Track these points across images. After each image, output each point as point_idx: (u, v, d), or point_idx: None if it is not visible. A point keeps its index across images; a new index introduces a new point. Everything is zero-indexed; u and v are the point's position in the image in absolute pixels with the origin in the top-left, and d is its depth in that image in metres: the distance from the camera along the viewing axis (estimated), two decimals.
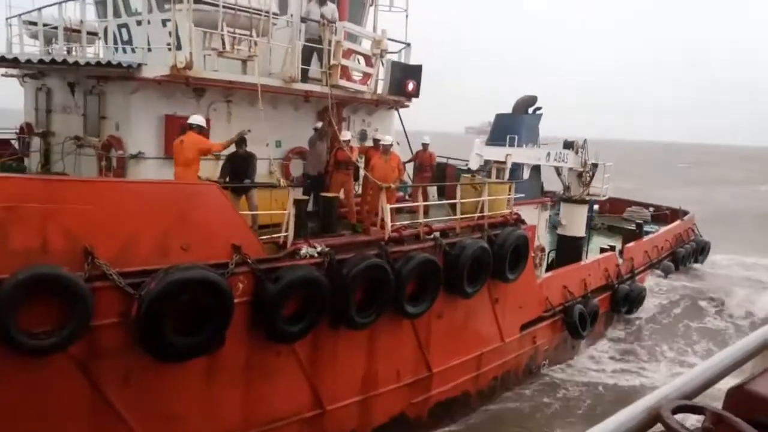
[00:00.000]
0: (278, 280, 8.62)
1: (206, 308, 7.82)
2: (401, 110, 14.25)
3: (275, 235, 9.16)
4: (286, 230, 9.15)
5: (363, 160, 12.40)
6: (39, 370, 6.98)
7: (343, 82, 11.42)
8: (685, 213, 26.74)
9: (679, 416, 1.63)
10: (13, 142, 14.52)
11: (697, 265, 26.07)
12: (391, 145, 11.42)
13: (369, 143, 13.25)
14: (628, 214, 27.35)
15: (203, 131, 9.56)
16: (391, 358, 11.02)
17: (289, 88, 11.06)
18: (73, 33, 12.40)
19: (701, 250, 25.86)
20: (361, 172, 11.99)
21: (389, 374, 11.05)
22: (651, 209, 27.78)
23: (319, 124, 11.70)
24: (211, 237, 8.18)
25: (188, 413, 8.51)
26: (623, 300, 18.24)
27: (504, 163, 14.68)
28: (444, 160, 16.61)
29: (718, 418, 1.62)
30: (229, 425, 9.00)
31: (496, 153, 14.87)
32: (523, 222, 13.59)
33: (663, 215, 27.05)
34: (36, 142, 13.36)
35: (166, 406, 8.27)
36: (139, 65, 9.71)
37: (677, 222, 25.30)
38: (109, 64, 9.47)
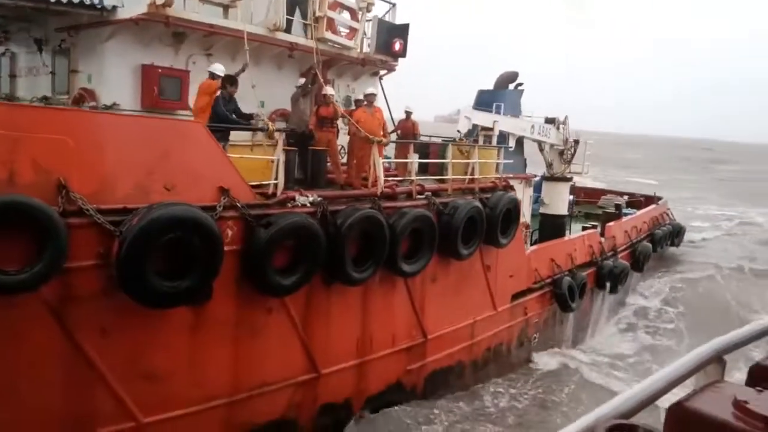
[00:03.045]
0: (270, 225, 8.05)
1: (194, 252, 7.22)
2: (386, 78, 13.87)
3: (264, 182, 8.60)
4: (276, 178, 8.63)
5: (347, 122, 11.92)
6: (5, 311, 6.23)
7: (329, 35, 10.98)
8: (659, 198, 27.18)
9: None
10: None
11: (672, 249, 26.44)
12: (375, 95, 10.99)
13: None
14: (603, 201, 27.55)
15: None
16: (386, 321, 10.50)
17: (273, 38, 10.54)
18: None
19: (677, 233, 26.18)
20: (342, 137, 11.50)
21: (385, 338, 10.52)
22: (625, 197, 28.09)
23: (302, 80, 11.18)
24: (197, 178, 7.58)
25: (172, 373, 7.78)
26: (608, 276, 18.14)
27: (491, 129, 14.44)
28: (426, 138, 16.30)
29: None
30: (217, 389, 8.29)
31: (484, 118, 14.63)
32: (512, 188, 13.32)
33: (637, 202, 27.38)
34: None
35: (147, 364, 7.53)
36: (114, 7, 9.09)
37: (653, 206, 25.64)
38: (81, 4, 8.82)
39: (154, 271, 6.85)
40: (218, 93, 8.83)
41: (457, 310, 12.11)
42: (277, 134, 8.68)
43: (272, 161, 8.75)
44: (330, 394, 9.79)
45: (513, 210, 12.58)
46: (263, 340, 8.67)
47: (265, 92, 11.27)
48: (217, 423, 8.31)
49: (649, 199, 27.23)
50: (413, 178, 10.69)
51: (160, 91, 9.60)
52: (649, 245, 22.18)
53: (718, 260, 27.58)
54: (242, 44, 9.37)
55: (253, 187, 8.30)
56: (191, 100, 9.61)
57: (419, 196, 10.76)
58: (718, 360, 2.51)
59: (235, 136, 9.24)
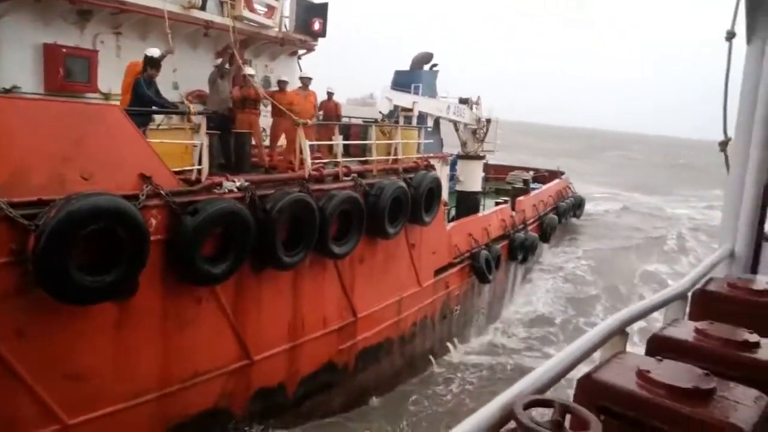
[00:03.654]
0: (197, 213, 7.80)
1: (118, 244, 6.86)
2: (303, 59, 13.64)
3: (187, 168, 8.28)
4: (200, 163, 8.33)
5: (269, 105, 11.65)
6: None
7: (246, 13, 10.62)
8: (562, 173, 28.89)
9: (536, 410, 1.69)
10: None
11: (574, 220, 28.31)
12: (311, 79, 10.83)
13: (273, 89, 12.51)
14: (511, 177, 28.83)
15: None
16: (316, 304, 10.53)
17: (188, 16, 10.05)
18: None
19: (578, 206, 28.00)
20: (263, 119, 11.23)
21: (316, 320, 10.57)
22: (531, 172, 29.56)
23: (218, 61, 10.76)
24: (116, 166, 7.17)
25: (97, 371, 7.40)
26: (519, 247, 19.15)
27: (411, 110, 14.67)
28: (346, 119, 16.28)
29: (565, 409, 1.68)
30: (146, 383, 8.00)
31: (404, 99, 14.82)
32: (433, 168, 13.67)
33: (542, 177, 28.92)
34: None
35: (70, 363, 7.10)
36: None
37: (556, 180, 27.19)
38: None
39: (75, 265, 6.46)
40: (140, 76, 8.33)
41: (385, 288, 12.36)
42: (198, 117, 8.35)
43: (195, 146, 8.44)
44: (263, 379, 9.73)
45: (435, 189, 12.95)
46: (193, 331, 8.44)
47: (180, 73, 10.80)
48: (148, 418, 8.04)
49: (553, 174, 28.87)
50: (339, 160, 10.69)
51: (66, 72, 8.88)
52: (555, 217, 23.59)
53: (611, 230, 30.11)
54: (154, 23, 8.89)
55: (175, 173, 7.98)
56: (102, 83, 8.99)
57: (346, 178, 10.81)
58: (621, 332, 2.64)
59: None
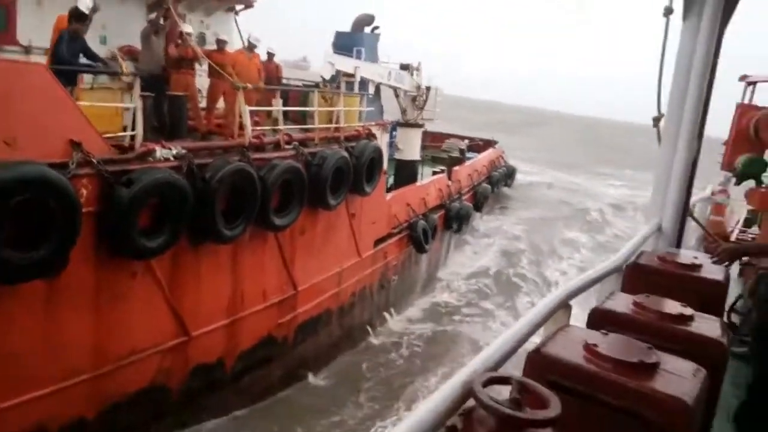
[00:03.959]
0: (131, 183, 7.28)
1: (47, 217, 6.30)
2: (241, 15, 12.89)
3: (119, 134, 7.69)
4: (133, 129, 7.74)
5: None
6: None
7: None
8: (495, 142, 29.43)
9: (494, 388, 1.68)
10: None
11: (505, 189, 29.08)
12: (259, 41, 10.23)
13: (210, 48, 11.76)
14: (446, 145, 29.11)
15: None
16: (256, 278, 10.24)
17: None
18: None
19: (510, 175, 28.71)
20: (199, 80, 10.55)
21: (255, 294, 10.29)
22: (466, 141, 29.93)
23: (151, 16, 9.94)
24: (42, 130, 6.54)
25: (27, 352, 6.89)
26: (455, 217, 19.44)
27: (353, 76, 14.30)
28: (286, 82, 15.64)
29: (522, 385, 1.68)
30: (79, 363, 7.54)
31: (347, 64, 14.40)
32: (375, 137, 13.47)
33: (476, 146, 29.35)
34: None
35: None
36: None
37: (490, 149, 27.67)
38: None
39: (0, 241, 5.89)
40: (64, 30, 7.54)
41: (325, 259, 12.20)
42: (130, 77, 7.71)
43: (127, 109, 7.82)
44: (201, 355, 9.43)
45: (377, 159, 12.80)
46: (128, 307, 8.00)
47: (107, 28, 9.92)
48: (83, 398, 7.62)
49: (487, 143, 29.33)
50: (281, 127, 10.28)
51: None
52: (488, 187, 24.10)
53: (538, 202, 31.33)
54: None
55: (106, 139, 7.37)
56: (21, 35, 8.10)
57: (287, 146, 10.44)
58: (565, 306, 2.70)
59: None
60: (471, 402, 1.68)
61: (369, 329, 14.57)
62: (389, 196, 15.72)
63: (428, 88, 18.40)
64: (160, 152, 7.89)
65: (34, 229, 6.23)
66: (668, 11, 4.25)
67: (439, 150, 28.20)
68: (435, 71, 18.60)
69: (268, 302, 10.67)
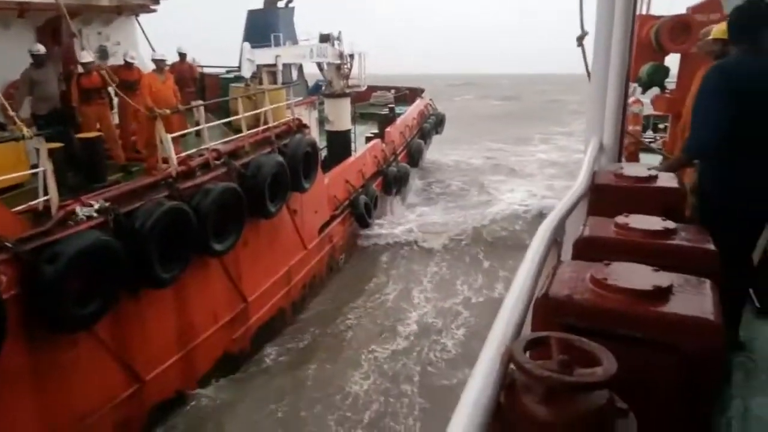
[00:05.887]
0: (56, 258, 6.69)
1: None
2: (142, 17, 11.67)
3: (32, 203, 6.98)
4: (46, 193, 7.03)
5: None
6: None
7: None
8: (422, 90, 28.89)
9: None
10: None
11: (437, 136, 28.93)
12: (165, 60, 9.31)
13: (113, 62, 10.66)
14: (374, 99, 28.37)
15: None
16: (204, 303, 9.90)
17: None
18: None
19: (440, 123, 28.48)
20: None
21: (206, 319, 9.99)
22: (393, 91, 29.21)
23: (38, 48, 8.72)
24: None
25: None
26: (393, 181, 19.31)
27: (274, 66, 13.44)
28: (199, 70, 14.55)
29: (564, 343, 1.50)
30: None
31: (266, 55, 13.47)
32: (306, 126, 12.93)
33: (404, 96, 28.73)
34: None
35: None
36: None
37: (418, 100, 27.19)
38: None
39: None
40: None
41: (272, 263, 11.94)
42: (36, 139, 6.90)
43: (35, 174, 7.07)
44: (158, 394, 9.17)
45: (312, 152, 12.35)
46: (74, 375, 7.57)
47: None
48: None
49: (414, 92, 28.72)
50: (207, 145, 9.64)
51: None
52: (421, 141, 23.89)
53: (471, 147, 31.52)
54: None
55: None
56: None
57: (217, 162, 9.85)
58: (555, 242, 2.54)
59: None
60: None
61: None
62: (327, 178, 15.33)
63: (351, 56, 17.65)
64: (80, 212, 7.24)
65: None
66: None
67: (367, 104, 27.54)
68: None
69: (220, 323, 10.41)
